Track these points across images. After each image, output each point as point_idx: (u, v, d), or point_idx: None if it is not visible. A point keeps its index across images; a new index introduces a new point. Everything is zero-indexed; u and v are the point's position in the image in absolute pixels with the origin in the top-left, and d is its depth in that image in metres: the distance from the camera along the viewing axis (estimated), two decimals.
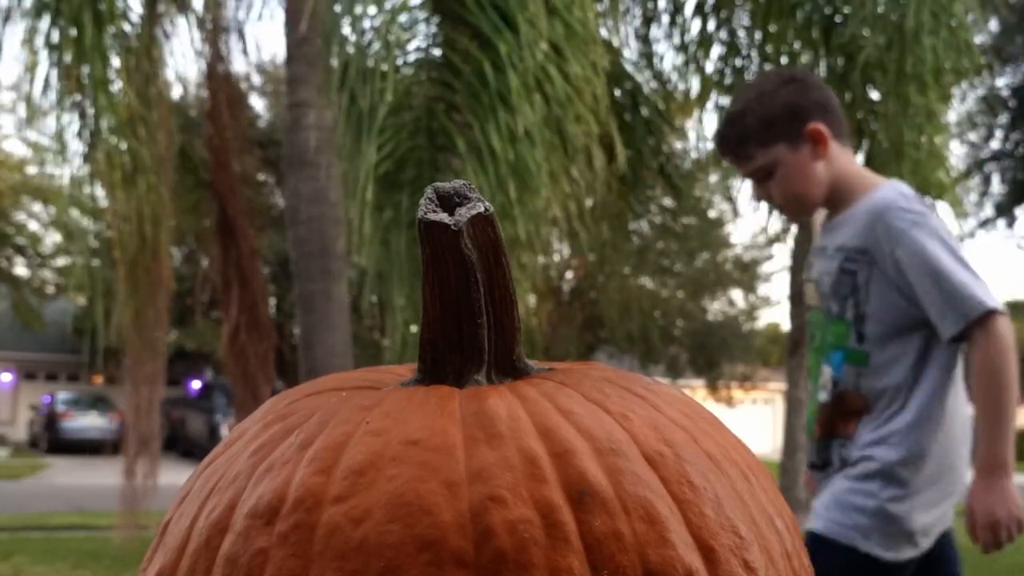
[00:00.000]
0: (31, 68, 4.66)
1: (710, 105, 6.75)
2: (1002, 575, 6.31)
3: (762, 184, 1.77)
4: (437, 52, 4.08)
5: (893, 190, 1.77)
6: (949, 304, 1.61)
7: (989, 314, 1.58)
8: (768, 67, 6.51)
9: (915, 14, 5.10)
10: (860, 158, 6.56)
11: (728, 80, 6.46)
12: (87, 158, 4.89)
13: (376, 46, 3.87)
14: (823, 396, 1.83)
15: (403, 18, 4.03)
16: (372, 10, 4.00)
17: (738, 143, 1.74)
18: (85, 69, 4.56)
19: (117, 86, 4.80)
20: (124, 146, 4.75)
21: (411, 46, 4.07)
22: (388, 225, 3.95)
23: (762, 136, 1.73)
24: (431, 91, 3.99)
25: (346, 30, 3.98)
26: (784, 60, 6.28)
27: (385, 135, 3.74)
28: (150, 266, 5.16)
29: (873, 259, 1.71)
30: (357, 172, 3.79)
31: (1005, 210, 16.69)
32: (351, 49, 3.84)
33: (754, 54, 6.34)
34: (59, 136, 4.75)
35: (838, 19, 5.97)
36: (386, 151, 3.76)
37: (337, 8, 4.05)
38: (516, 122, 3.57)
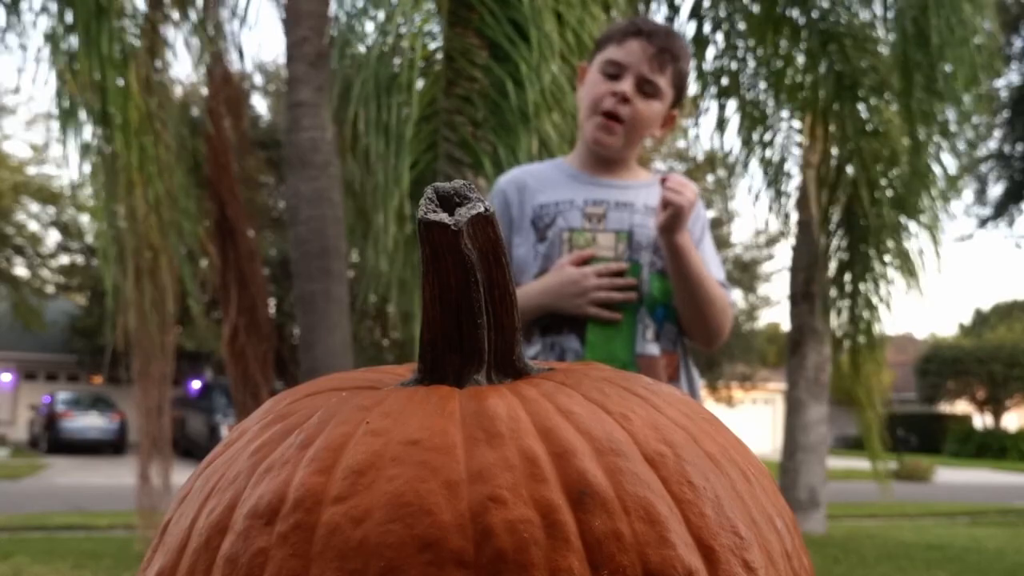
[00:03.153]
0: (38, 69, 4.66)
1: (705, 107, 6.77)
2: (1002, 575, 6.30)
3: (640, 95, 1.81)
4: (453, 61, 4.06)
5: None
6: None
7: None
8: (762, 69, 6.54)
9: (938, 31, 5.11)
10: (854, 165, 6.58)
11: (725, 81, 6.48)
12: (94, 158, 4.88)
13: (396, 58, 3.85)
14: (652, 349, 1.76)
15: (425, 28, 4.01)
16: (381, 15, 3.98)
17: (671, 56, 1.82)
18: (92, 64, 4.55)
19: (123, 86, 4.79)
20: (131, 146, 4.75)
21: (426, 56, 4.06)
22: (410, 238, 3.97)
23: (679, 75, 1.85)
24: (449, 104, 3.97)
25: (360, 46, 3.96)
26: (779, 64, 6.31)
27: (408, 148, 3.74)
28: (158, 267, 5.15)
29: None
30: (385, 183, 3.78)
31: (1003, 209, 16.69)
32: (369, 62, 3.81)
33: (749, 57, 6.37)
34: (66, 138, 4.75)
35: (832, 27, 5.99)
36: (408, 163, 3.76)
37: (345, 18, 4.04)
38: (534, 139, 3.58)
